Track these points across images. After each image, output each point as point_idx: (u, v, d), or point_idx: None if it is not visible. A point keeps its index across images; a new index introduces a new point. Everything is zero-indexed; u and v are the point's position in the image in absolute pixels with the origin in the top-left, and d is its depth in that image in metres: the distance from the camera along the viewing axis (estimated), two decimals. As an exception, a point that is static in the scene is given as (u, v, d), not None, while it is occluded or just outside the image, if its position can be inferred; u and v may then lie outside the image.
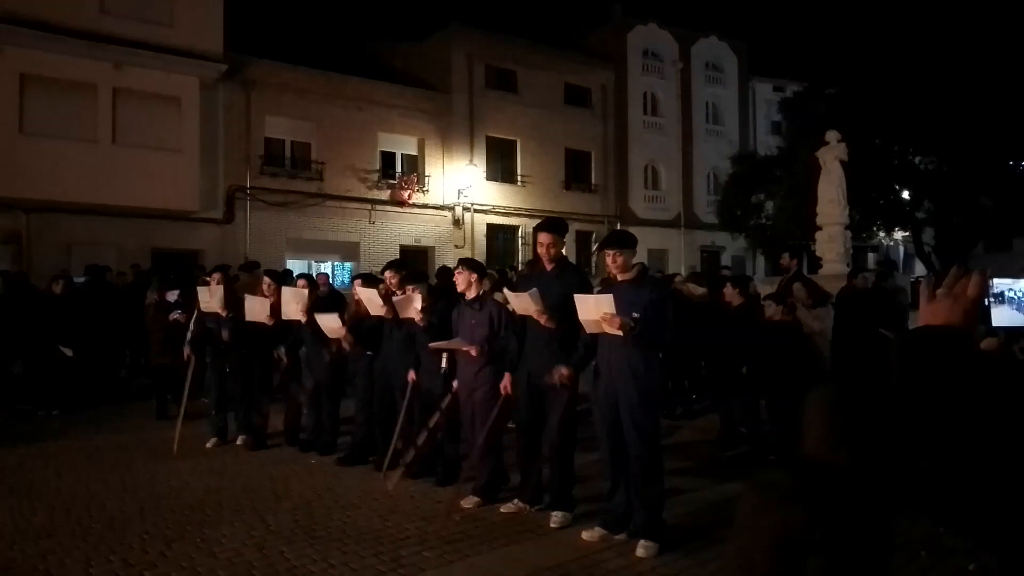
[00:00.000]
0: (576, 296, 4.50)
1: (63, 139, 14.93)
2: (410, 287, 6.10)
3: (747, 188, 23.13)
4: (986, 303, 1.16)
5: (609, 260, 4.52)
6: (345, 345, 6.54)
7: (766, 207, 23.04)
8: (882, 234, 24.29)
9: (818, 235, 12.64)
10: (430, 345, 5.66)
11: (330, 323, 6.54)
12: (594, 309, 4.34)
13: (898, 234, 25.28)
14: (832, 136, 12.51)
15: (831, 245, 12.27)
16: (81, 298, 10.00)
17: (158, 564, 4.26)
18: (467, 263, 5.64)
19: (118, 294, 11.14)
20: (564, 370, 4.64)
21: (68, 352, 9.00)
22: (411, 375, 6.01)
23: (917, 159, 20.95)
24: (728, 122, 29.13)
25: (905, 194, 21.47)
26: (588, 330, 4.51)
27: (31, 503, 5.48)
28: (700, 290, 8.55)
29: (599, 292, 4.59)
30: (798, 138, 20.05)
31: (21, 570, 4.19)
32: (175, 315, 8.35)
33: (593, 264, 23.41)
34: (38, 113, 14.79)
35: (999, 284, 1.32)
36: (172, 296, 8.86)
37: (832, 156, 12.43)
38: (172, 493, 5.74)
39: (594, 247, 21.35)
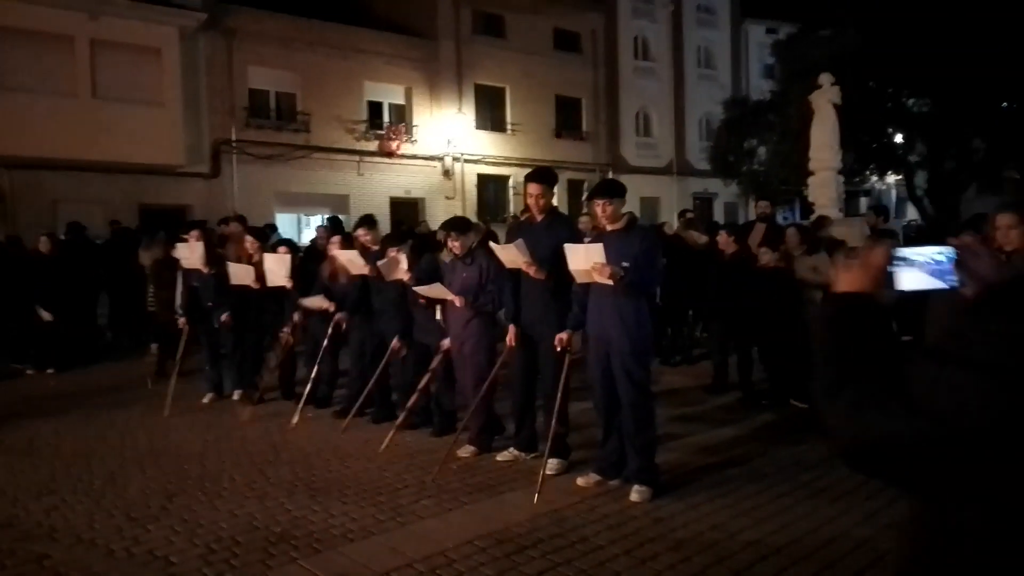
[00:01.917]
0: (566, 246, 4.50)
1: (41, 93, 14.61)
2: (392, 249, 6.06)
3: (740, 133, 22.91)
4: (891, 268, 1.29)
5: (599, 209, 4.51)
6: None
7: (759, 152, 22.86)
8: (875, 178, 24.21)
9: (811, 180, 12.59)
10: (415, 288, 5.66)
11: (316, 303, 6.58)
12: (584, 259, 4.35)
13: (891, 178, 25.21)
14: (825, 79, 12.36)
15: (824, 190, 12.24)
16: (67, 255, 9.93)
17: (160, 517, 4.33)
18: (456, 227, 5.59)
19: (97, 251, 11.06)
20: (563, 335, 4.65)
21: (46, 315, 8.94)
22: (395, 343, 6.01)
23: (910, 101, 20.75)
24: (720, 66, 28.73)
25: (898, 137, 21.34)
26: (578, 280, 4.52)
27: (31, 460, 5.54)
28: (703, 239, 8.53)
29: (589, 242, 4.58)
30: (791, 82, 19.79)
31: (25, 526, 4.26)
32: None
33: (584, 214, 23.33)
34: (14, 67, 14.43)
35: (905, 252, 1.38)
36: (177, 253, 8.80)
37: (825, 100, 12.31)
38: (171, 448, 5.80)
39: (584, 198, 21.22)
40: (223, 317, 7.06)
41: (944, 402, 0.89)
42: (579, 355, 4.92)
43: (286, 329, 6.97)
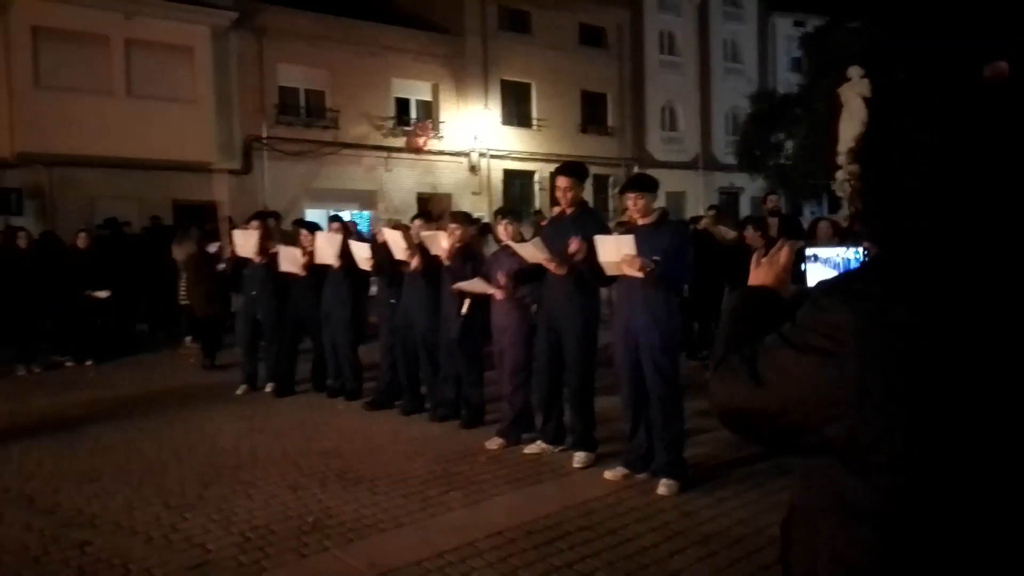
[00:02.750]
0: (596, 237, 4.53)
1: (78, 92, 14.92)
2: (452, 225, 6.09)
3: (767, 127, 22.70)
4: (801, 268, 1.39)
5: (630, 203, 4.53)
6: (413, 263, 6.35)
7: (786, 147, 22.64)
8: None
9: (838, 174, 12.45)
10: (454, 287, 5.74)
11: (362, 252, 6.69)
12: (615, 251, 4.37)
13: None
14: (855, 72, 12.22)
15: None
16: (104, 250, 10.19)
17: (197, 506, 4.44)
18: (508, 214, 5.74)
19: (134, 246, 11.31)
20: (575, 244, 4.64)
21: (102, 294, 9.19)
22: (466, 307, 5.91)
23: (943, 93, 20.39)
24: (747, 60, 28.46)
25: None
26: (608, 272, 4.54)
27: (72, 449, 5.70)
28: (732, 234, 8.51)
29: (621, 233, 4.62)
30: (819, 75, 19.56)
31: (67, 513, 4.39)
32: (222, 266, 8.43)
33: (611, 208, 23.29)
34: (52, 67, 14.76)
35: (814, 251, 1.47)
36: (212, 248, 8.99)
37: (854, 93, 12.17)
38: (206, 439, 5.94)
39: (614, 190, 21.19)
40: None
41: (777, 377, 1.07)
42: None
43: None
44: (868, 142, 1.11)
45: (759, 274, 1.40)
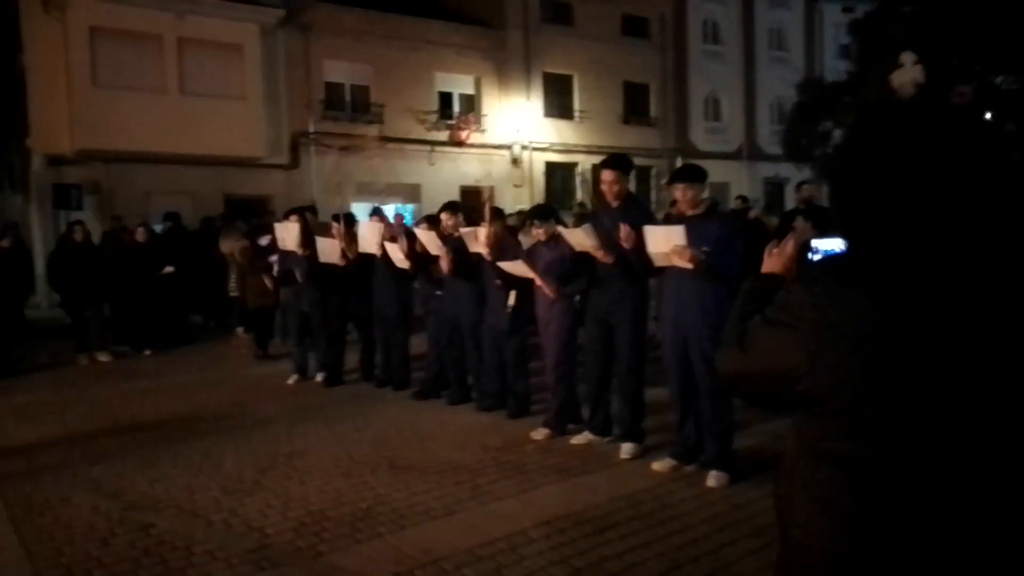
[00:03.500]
0: (646, 228, 4.52)
1: (134, 90, 15.35)
2: (474, 228, 6.18)
3: (814, 116, 22.22)
4: (809, 256, 1.49)
5: (679, 194, 4.51)
6: (443, 266, 6.46)
7: (834, 136, 22.14)
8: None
9: (891, 164, 12.16)
10: (498, 264, 5.78)
11: (395, 253, 6.77)
12: (664, 241, 4.36)
13: (977, 160, 24.02)
14: (907, 58, 11.89)
15: (905, 174, 11.82)
16: (162, 244, 10.51)
17: (254, 492, 4.58)
18: (539, 215, 5.76)
19: (191, 239, 11.63)
20: (627, 229, 4.63)
21: (169, 269, 9.52)
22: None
23: (999, 79, 19.73)
24: (793, 47, 27.87)
25: (985, 117, 20.33)
26: (657, 263, 4.54)
27: (134, 436, 5.92)
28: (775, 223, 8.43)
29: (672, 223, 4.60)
30: (869, 62, 19.08)
31: (131, 496, 4.56)
32: (273, 259, 8.59)
33: (653, 200, 23.09)
34: (109, 66, 15.20)
35: (819, 243, 1.50)
36: (264, 241, 9.18)
37: (907, 79, 11.85)
38: (260, 426, 6.10)
39: (663, 182, 21.01)
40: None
41: (756, 346, 1.33)
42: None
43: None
44: (843, 151, 1.31)
45: (769, 263, 1.62)
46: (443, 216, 6.76)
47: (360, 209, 18.13)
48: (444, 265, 6.27)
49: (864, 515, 1.17)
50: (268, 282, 7.89)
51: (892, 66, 12.26)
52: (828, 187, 1.31)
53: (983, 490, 1.13)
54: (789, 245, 1.61)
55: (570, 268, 5.35)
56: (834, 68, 25.72)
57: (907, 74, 11.84)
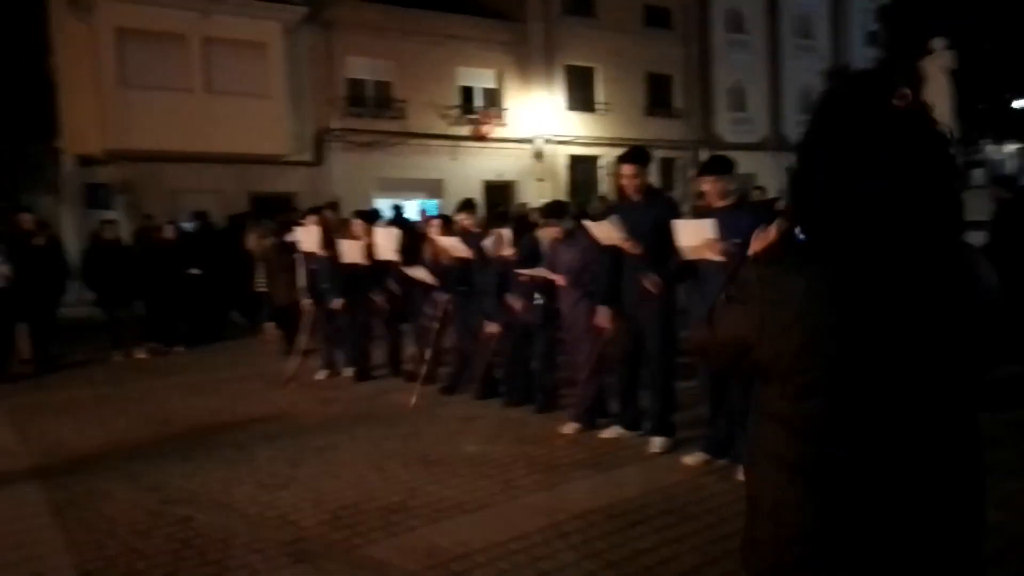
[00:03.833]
0: (676, 222, 4.50)
1: (160, 90, 15.57)
2: (497, 229, 6.27)
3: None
4: (796, 240, 1.56)
5: (707, 187, 4.48)
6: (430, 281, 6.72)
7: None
8: (990, 147, 22.72)
9: (921, 152, 11.95)
10: (518, 272, 5.83)
11: (420, 274, 6.83)
12: (695, 235, 4.33)
13: (1009, 147, 23.58)
14: (938, 44, 11.66)
15: (936, 162, 11.61)
16: (190, 242, 10.66)
17: (289, 485, 4.64)
18: (552, 213, 5.76)
19: (219, 237, 11.76)
20: (655, 277, 4.69)
21: (195, 271, 9.64)
22: (492, 328, 6.21)
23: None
24: (819, 35, 27.50)
25: (1018, 103, 19.93)
26: (687, 257, 4.51)
27: (170, 430, 6.02)
28: None
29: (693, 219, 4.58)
30: (898, 48, 18.78)
31: (169, 490, 4.64)
32: (297, 256, 8.67)
33: (679, 193, 22.94)
34: (136, 66, 15.44)
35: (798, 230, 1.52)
36: (290, 238, 9.25)
37: (937, 66, 11.62)
38: (292, 420, 6.18)
39: (689, 174, 20.87)
40: (336, 303, 7.41)
41: (719, 320, 1.49)
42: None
43: (379, 297, 7.32)
44: (800, 147, 1.43)
45: (755, 246, 1.74)
46: (461, 216, 6.82)
47: (384, 205, 18.28)
48: (470, 254, 6.33)
49: (803, 466, 1.36)
50: (305, 301, 7.95)
51: (922, 52, 12.04)
52: (791, 179, 1.44)
53: (902, 437, 1.32)
54: (772, 230, 1.72)
55: (592, 265, 5.34)
56: (862, 55, 25.35)
57: (937, 60, 11.62)
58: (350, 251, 7.27)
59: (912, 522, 1.32)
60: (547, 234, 5.75)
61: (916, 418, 1.32)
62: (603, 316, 5.13)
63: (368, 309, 7.61)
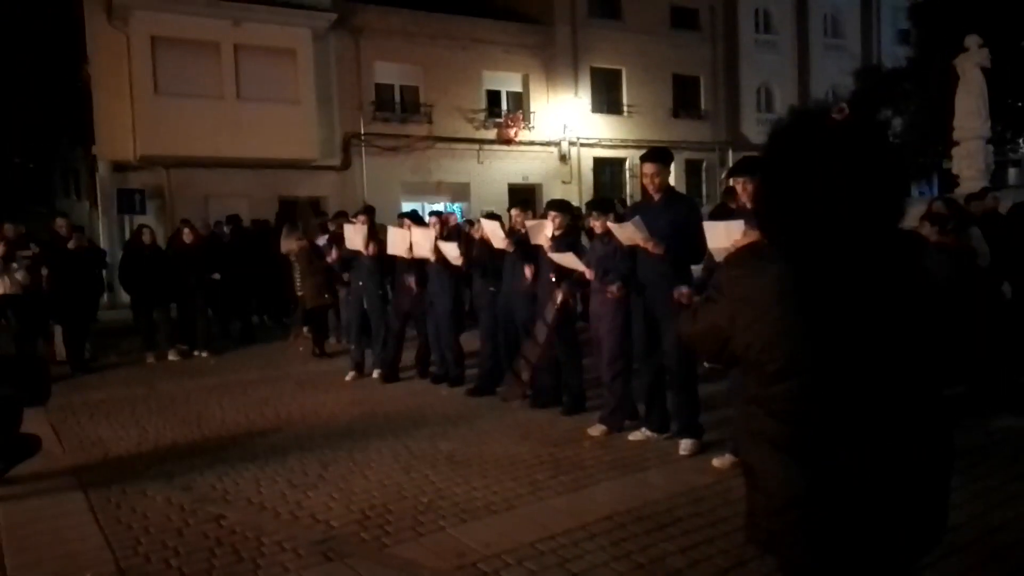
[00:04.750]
0: (706, 224, 4.51)
1: (193, 97, 15.82)
2: (552, 213, 6.19)
3: (872, 104, 21.61)
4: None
5: (739, 187, 4.46)
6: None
7: (894, 124, 21.50)
8: (1027, 147, 22.26)
9: (955, 151, 11.77)
10: (549, 254, 5.86)
11: (451, 251, 6.88)
12: (724, 236, 4.31)
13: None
14: (972, 41, 11.48)
15: (970, 161, 11.42)
16: (214, 245, 10.80)
17: (319, 485, 4.69)
18: (600, 207, 5.78)
19: (250, 241, 11.92)
20: (684, 289, 4.69)
21: (216, 276, 9.80)
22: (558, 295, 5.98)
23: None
24: (849, 34, 27.11)
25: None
26: (718, 259, 4.48)
27: (201, 431, 6.12)
28: None
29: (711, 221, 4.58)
30: (931, 46, 18.47)
31: (202, 489, 4.71)
32: (331, 258, 8.76)
33: (704, 194, 22.78)
34: (169, 73, 15.71)
35: None
36: (322, 240, 9.38)
37: (972, 63, 11.44)
38: (321, 422, 6.25)
39: (722, 176, 20.72)
40: (410, 280, 7.42)
41: (700, 315, 1.72)
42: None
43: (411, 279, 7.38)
44: (762, 163, 1.63)
45: (743, 243, 1.86)
46: (513, 212, 6.94)
47: (411, 208, 18.41)
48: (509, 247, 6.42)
49: (782, 443, 1.53)
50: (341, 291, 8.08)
51: (956, 50, 11.85)
52: (757, 192, 1.68)
53: (865, 413, 1.48)
54: (750, 234, 1.91)
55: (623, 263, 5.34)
56: (892, 54, 24.97)
57: (972, 58, 11.43)
58: (396, 241, 7.35)
59: (884, 489, 1.49)
60: (596, 227, 5.75)
61: (877, 396, 1.48)
62: (615, 288, 5.16)
63: (399, 310, 7.67)
